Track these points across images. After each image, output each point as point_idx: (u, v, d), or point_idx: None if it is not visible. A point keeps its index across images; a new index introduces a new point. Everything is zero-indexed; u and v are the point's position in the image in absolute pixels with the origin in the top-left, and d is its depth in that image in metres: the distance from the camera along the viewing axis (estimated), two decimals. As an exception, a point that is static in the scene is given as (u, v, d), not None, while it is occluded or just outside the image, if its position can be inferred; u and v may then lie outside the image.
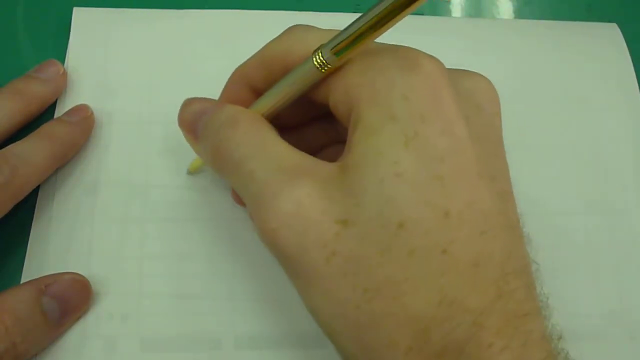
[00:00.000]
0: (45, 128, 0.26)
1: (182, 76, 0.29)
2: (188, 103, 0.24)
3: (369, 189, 0.17)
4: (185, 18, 0.30)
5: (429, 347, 0.17)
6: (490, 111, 0.20)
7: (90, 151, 0.27)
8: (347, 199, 0.18)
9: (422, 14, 0.33)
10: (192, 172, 0.28)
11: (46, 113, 0.28)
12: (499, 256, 0.17)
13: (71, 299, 0.24)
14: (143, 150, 0.28)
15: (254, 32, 0.30)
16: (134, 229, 0.26)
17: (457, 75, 0.19)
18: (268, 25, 0.30)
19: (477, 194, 0.18)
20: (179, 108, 0.28)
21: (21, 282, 0.25)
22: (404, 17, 0.17)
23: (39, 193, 0.26)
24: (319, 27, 0.31)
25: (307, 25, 0.22)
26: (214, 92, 0.29)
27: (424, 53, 0.19)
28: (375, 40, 0.19)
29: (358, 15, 0.28)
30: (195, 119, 0.23)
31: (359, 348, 0.18)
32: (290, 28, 0.22)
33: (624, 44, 0.32)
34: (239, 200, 0.26)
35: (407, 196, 0.17)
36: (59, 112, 0.28)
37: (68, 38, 0.29)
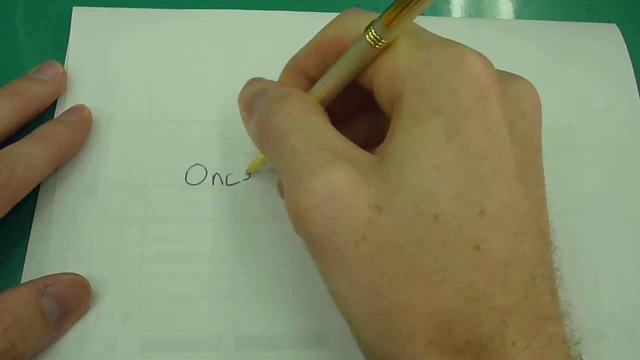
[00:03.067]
0: (43, 129, 0.26)
1: (182, 76, 0.29)
2: (250, 82, 0.24)
3: (407, 178, 0.17)
4: (185, 18, 0.30)
5: (450, 341, 0.17)
6: (533, 117, 0.20)
7: (90, 151, 0.27)
8: (384, 187, 0.18)
9: (422, 14, 0.33)
10: (251, 172, 0.28)
11: (46, 113, 0.28)
12: (529, 259, 0.18)
13: (70, 300, 0.24)
14: (143, 150, 0.28)
15: (254, 32, 0.30)
16: (134, 229, 0.26)
17: (503, 77, 0.19)
18: (268, 25, 0.31)
19: (514, 195, 0.18)
20: (178, 108, 0.29)
21: (21, 282, 0.25)
22: None
23: (39, 193, 0.26)
24: (319, 27, 0.31)
25: (360, 9, 0.22)
26: (214, 91, 0.29)
27: (474, 50, 0.19)
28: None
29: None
30: (253, 97, 0.23)
31: (378, 336, 0.18)
32: (342, 13, 0.22)
33: (624, 45, 0.32)
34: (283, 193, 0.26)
35: (444, 190, 0.17)
36: (58, 112, 0.28)
37: (68, 38, 0.29)
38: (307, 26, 0.31)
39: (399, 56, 0.19)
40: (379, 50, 0.19)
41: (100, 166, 0.27)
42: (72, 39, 0.29)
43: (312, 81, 0.23)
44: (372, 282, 0.18)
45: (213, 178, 0.28)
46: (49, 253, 0.25)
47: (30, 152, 0.25)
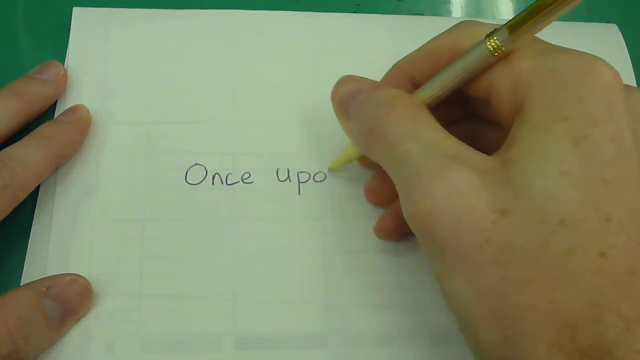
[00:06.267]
0: (41, 129, 0.26)
1: (182, 76, 0.29)
2: (344, 80, 0.24)
3: (533, 183, 0.18)
4: (185, 18, 0.30)
5: (573, 345, 0.17)
6: None
7: (90, 151, 0.27)
8: (508, 191, 0.18)
9: (422, 14, 0.33)
10: (334, 169, 0.28)
11: (46, 114, 0.28)
12: None
13: (72, 301, 0.24)
14: (143, 150, 0.28)
15: (254, 32, 0.31)
16: (134, 229, 0.26)
17: (624, 87, 0.20)
18: (268, 25, 0.31)
19: (639, 204, 0.18)
20: (178, 108, 0.29)
21: (21, 282, 0.25)
22: None
23: (39, 193, 0.26)
24: (319, 27, 0.31)
25: (475, 20, 0.22)
26: (214, 91, 0.29)
27: (601, 59, 0.19)
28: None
29: (358, 15, 0.28)
30: (350, 97, 0.23)
31: (497, 338, 0.18)
32: (458, 23, 0.23)
33: (624, 45, 0.32)
34: (373, 198, 0.27)
35: (571, 195, 0.17)
36: (58, 112, 0.28)
37: (68, 38, 0.29)
38: (307, 26, 0.31)
39: (521, 65, 0.20)
40: (496, 59, 0.20)
41: (100, 166, 0.27)
42: (72, 39, 0.29)
43: (417, 86, 0.23)
44: (494, 284, 0.18)
45: (213, 178, 0.28)
46: (49, 253, 0.25)
47: (30, 153, 0.25)
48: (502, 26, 0.20)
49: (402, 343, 0.25)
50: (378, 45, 0.31)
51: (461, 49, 0.21)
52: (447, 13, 0.34)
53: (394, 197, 0.25)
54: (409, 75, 0.24)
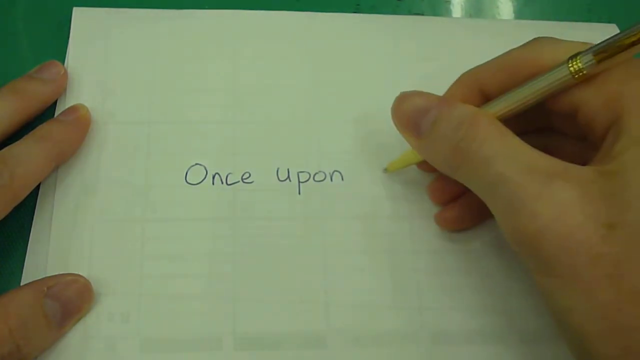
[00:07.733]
0: (41, 129, 0.26)
1: (182, 76, 0.29)
2: (406, 97, 0.23)
3: (638, 195, 0.18)
4: (185, 18, 0.30)
5: None
6: None
7: (90, 151, 0.27)
8: (612, 204, 0.18)
9: (422, 14, 0.33)
10: (391, 171, 0.28)
11: (47, 113, 0.28)
12: None
13: (72, 301, 0.24)
14: (143, 150, 0.28)
15: (254, 32, 0.31)
16: (134, 229, 0.26)
17: None
18: (267, 25, 0.31)
19: None
20: (178, 108, 0.29)
21: (21, 282, 0.25)
22: None
23: (39, 193, 0.26)
24: (321, 27, 0.31)
25: (555, 38, 0.22)
26: (214, 91, 0.29)
27: None
28: None
29: (358, 15, 0.27)
30: (419, 114, 0.23)
31: (616, 351, 0.18)
32: (537, 38, 0.23)
33: (624, 45, 0.32)
34: (438, 198, 0.27)
35: None
36: (58, 112, 0.28)
37: (68, 38, 0.29)
38: (307, 26, 0.31)
39: (611, 80, 0.20)
40: (576, 81, 0.20)
41: (100, 166, 0.27)
42: (72, 39, 0.29)
43: (486, 98, 0.23)
44: (609, 298, 0.18)
45: (213, 178, 0.28)
46: (49, 253, 0.25)
47: (30, 152, 0.25)
48: (587, 51, 0.20)
49: (401, 343, 0.25)
50: (378, 45, 0.31)
51: (541, 66, 0.21)
52: (447, 13, 0.34)
53: (458, 195, 0.26)
54: (479, 87, 0.24)
